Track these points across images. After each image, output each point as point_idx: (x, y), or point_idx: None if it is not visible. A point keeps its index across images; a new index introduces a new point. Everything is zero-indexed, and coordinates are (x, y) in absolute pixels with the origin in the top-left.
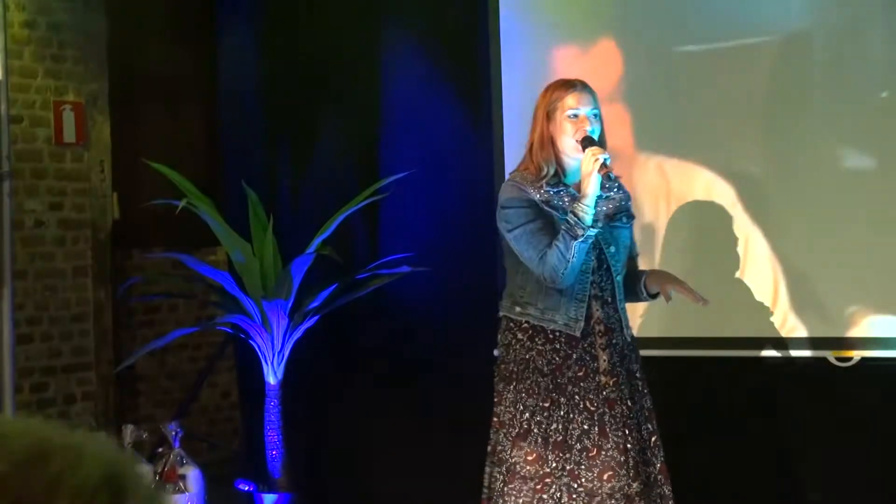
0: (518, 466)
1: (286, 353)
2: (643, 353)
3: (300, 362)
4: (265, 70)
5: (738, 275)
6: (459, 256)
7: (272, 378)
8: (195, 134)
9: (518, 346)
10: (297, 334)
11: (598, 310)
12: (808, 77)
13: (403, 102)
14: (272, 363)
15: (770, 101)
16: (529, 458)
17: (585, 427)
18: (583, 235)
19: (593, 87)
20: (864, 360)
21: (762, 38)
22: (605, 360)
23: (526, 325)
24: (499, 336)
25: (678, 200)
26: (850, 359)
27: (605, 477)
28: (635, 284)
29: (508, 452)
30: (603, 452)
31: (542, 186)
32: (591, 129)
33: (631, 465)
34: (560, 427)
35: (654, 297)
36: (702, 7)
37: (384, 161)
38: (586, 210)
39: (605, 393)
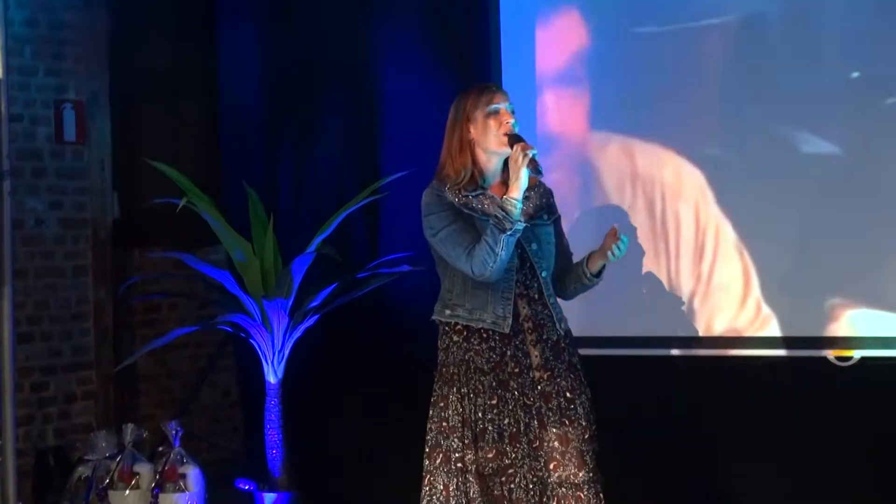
0: (481, 467)
1: (286, 353)
2: (645, 352)
3: (300, 361)
4: (266, 69)
5: (736, 274)
6: None
7: (272, 377)
8: (196, 133)
9: (455, 348)
10: (298, 333)
11: (524, 307)
12: (771, 57)
13: (404, 101)
14: (272, 362)
15: (733, 81)
16: (490, 455)
17: (526, 421)
18: (511, 229)
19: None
20: (863, 359)
21: (723, 18)
22: (536, 356)
23: (459, 326)
24: (437, 341)
25: (645, 184)
26: (849, 358)
27: (551, 467)
28: (576, 272)
29: (470, 457)
30: (545, 444)
31: (459, 191)
32: (514, 122)
33: (574, 454)
34: (511, 420)
35: (598, 274)
36: None
37: (384, 160)
38: (514, 204)
39: (539, 387)
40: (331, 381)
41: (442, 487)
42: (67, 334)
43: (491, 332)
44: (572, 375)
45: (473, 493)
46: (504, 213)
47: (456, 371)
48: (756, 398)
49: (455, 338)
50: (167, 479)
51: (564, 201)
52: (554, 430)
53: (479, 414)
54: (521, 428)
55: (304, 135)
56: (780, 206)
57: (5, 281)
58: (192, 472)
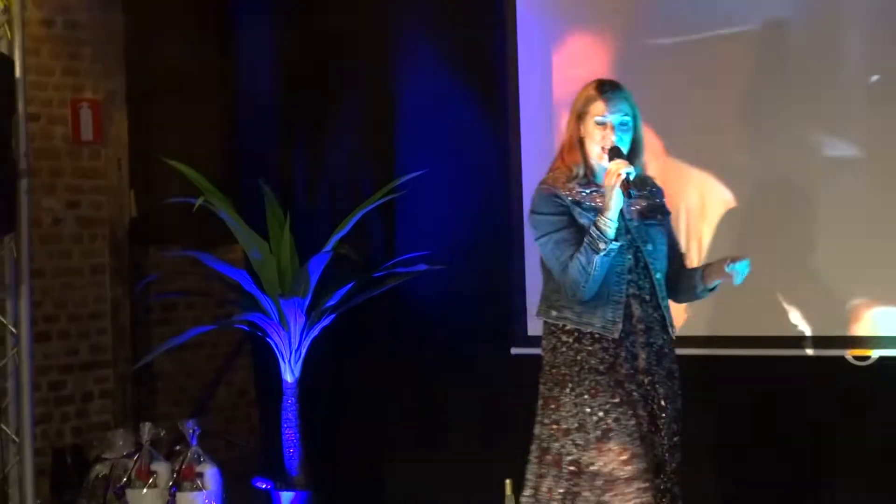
0: (617, 471)
1: (303, 351)
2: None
3: (317, 360)
4: (282, 68)
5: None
6: (476, 255)
7: (289, 376)
8: (212, 132)
9: (565, 349)
10: (314, 332)
11: (637, 309)
12: (791, 64)
13: (420, 100)
14: (289, 361)
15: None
16: (623, 457)
17: (642, 422)
18: (605, 249)
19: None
20: (882, 358)
21: (737, 27)
22: (643, 359)
23: (568, 327)
24: (542, 340)
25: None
26: (867, 357)
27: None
28: (690, 280)
29: (593, 460)
30: (652, 450)
31: (573, 187)
32: (618, 137)
33: (653, 464)
34: (636, 423)
35: (711, 290)
36: None
37: (400, 159)
38: (609, 224)
39: (642, 391)
40: (347, 380)
41: (546, 490)
42: (85, 333)
43: (600, 335)
44: (669, 383)
45: (586, 494)
46: (598, 233)
47: (567, 372)
48: (773, 397)
49: (564, 338)
50: (184, 478)
51: None
52: (659, 436)
53: (601, 413)
54: (644, 430)
55: (320, 134)
56: (799, 207)
57: (23, 280)
58: (210, 471)
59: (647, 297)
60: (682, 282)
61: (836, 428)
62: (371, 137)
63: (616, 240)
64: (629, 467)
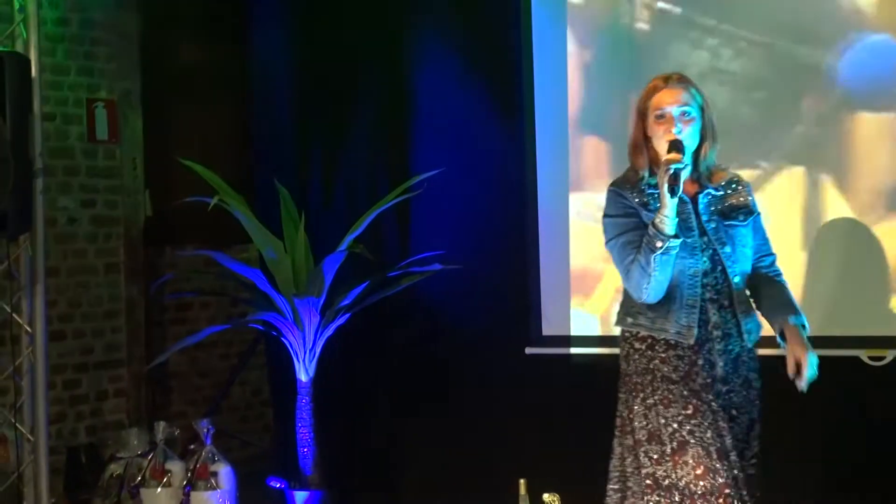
0: (692, 485)
1: (318, 351)
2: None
3: (331, 360)
4: (297, 67)
5: None
6: (490, 254)
7: (304, 375)
8: (227, 131)
9: (637, 356)
10: (329, 332)
11: (714, 314)
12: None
13: (435, 100)
14: (304, 360)
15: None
16: (698, 471)
17: (721, 435)
18: (662, 248)
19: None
20: None
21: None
22: (720, 367)
23: (641, 334)
24: (619, 349)
25: None
26: (883, 357)
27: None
28: (772, 301)
29: (668, 473)
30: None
31: (642, 189)
32: (678, 128)
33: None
34: (714, 434)
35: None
36: None
37: (415, 158)
38: (665, 221)
39: (719, 401)
40: (362, 380)
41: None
42: (99, 332)
43: (675, 342)
44: (745, 392)
45: None
46: (655, 230)
47: (639, 381)
48: (787, 397)
49: (637, 345)
50: (199, 477)
51: None
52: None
53: (675, 425)
54: (727, 442)
55: (335, 133)
56: (814, 205)
57: (38, 279)
58: (224, 470)
59: (726, 303)
60: (761, 291)
61: (850, 428)
62: (386, 137)
63: (676, 236)
64: (703, 482)
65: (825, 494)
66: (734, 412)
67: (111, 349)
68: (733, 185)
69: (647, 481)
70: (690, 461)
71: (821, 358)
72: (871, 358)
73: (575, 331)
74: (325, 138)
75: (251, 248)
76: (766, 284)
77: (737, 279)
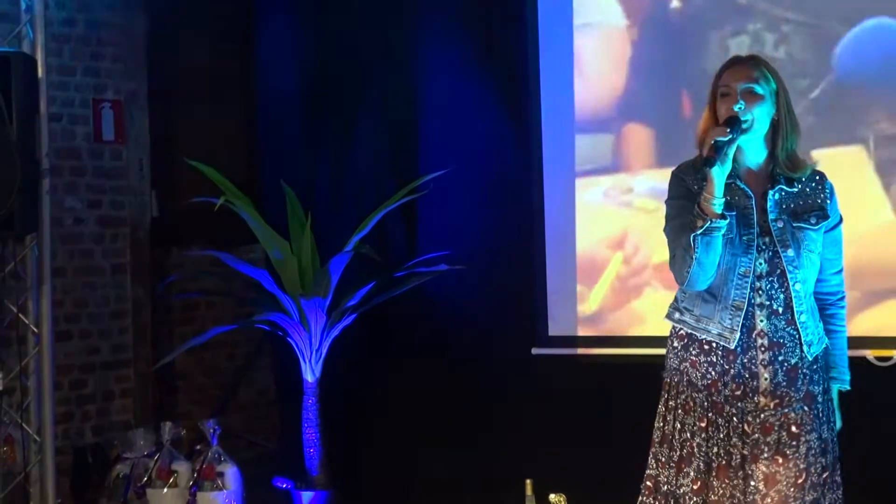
0: (687, 498)
1: (324, 351)
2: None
3: (338, 360)
4: (303, 68)
5: None
6: (497, 254)
7: (310, 376)
8: (234, 131)
9: (672, 355)
10: (335, 332)
11: (762, 321)
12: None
13: (441, 100)
14: (310, 361)
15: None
16: (696, 486)
17: (745, 453)
18: (703, 227)
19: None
20: None
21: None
22: (765, 379)
23: (682, 332)
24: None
25: None
26: (889, 358)
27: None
28: (826, 314)
29: (671, 480)
30: (752, 482)
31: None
32: (739, 104)
33: (776, 499)
34: (721, 451)
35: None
36: None
37: (422, 159)
38: (710, 200)
39: (763, 416)
40: (368, 380)
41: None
42: (106, 332)
43: (715, 345)
44: (806, 408)
45: None
46: (698, 210)
47: (669, 380)
48: None
49: (675, 343)
50: (205, 478)
51: None
52: (763, 468)
53: (688, 434)
54: (734, 461)
55: (341, 133)
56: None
57: (44, 279)
58: (230, 471)
59: (780, 309)
60: (820, 305)
61: (856, 429)
62: (392, 137)
63: (723, 216)
64: (697, 498)
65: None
66: (794, 429)
67: (117, 349)
68: (812, 184)
69: (648, 483)
70: (692, 473)
71: None
72: (877, 358)
73: (582, 331)
74: (331, 138)
75: (257, 248)
76: (826, 327)
77: (798, 286)
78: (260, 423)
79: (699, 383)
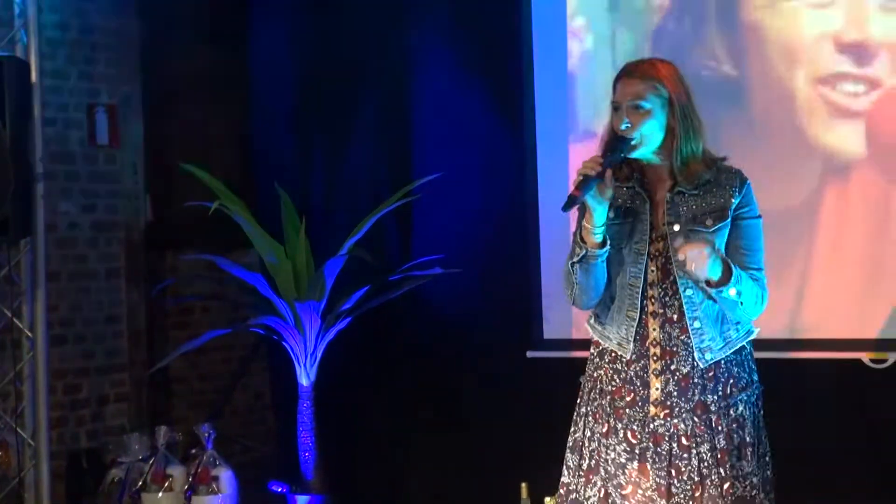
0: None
1: (319, 355)
2: None
3: (333, 364)
4: (297, 71)
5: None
6: (492, 258)
7: (305, 380)
8: (228, 135)
9: (589, 362)
10: (330, 336)
11: (655, 329)
12: None
13: (436, 103)
14: (305, 365)
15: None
16: (601, 494)
17: (623, 461)
18: (580, 255)
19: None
20: None
21: None
22: (656, 389)
23: (594, 338)
24: None
25: None
26: (884, 360)
27: None
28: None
29: (579, 489)
30: (639, 492)
31: (622, 185)
32: (624, 123)
33: None
34: (616, 456)
35: (717, 285)
36: None
37: (417, 162)
38: (588, 230)
39: (652, 426)
40: (363, 384)
41: None
42: (100, 337)
43: (616, 354)
44: (696, 419)
45: None
46: (579, 239)
47: (583, 386)
48: (789, 400)
49: (592, 350)
50: (200, 482)
51: None
52: (656, 479)
53: (596, 444)
54: (612, 468)
55: (336, 137)
56: (813, 208)
57: (39, 283)
58: (225, 475)
59: (675, 317)
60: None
61: (852, 431)
62: (387, 141)
63: (602, 245)
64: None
65: (826, 497)
66: (684, 441)
67: (112, 354)
68: (718, 184)
69: (561, 490)
70: (598, 482)
71: (823, 360)
72: (872, 361)
73: (576, 334)
74: (326, 142)
75: (252, 252)
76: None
77: (688, 291)
78: (255, 427)
79: (607, 387)
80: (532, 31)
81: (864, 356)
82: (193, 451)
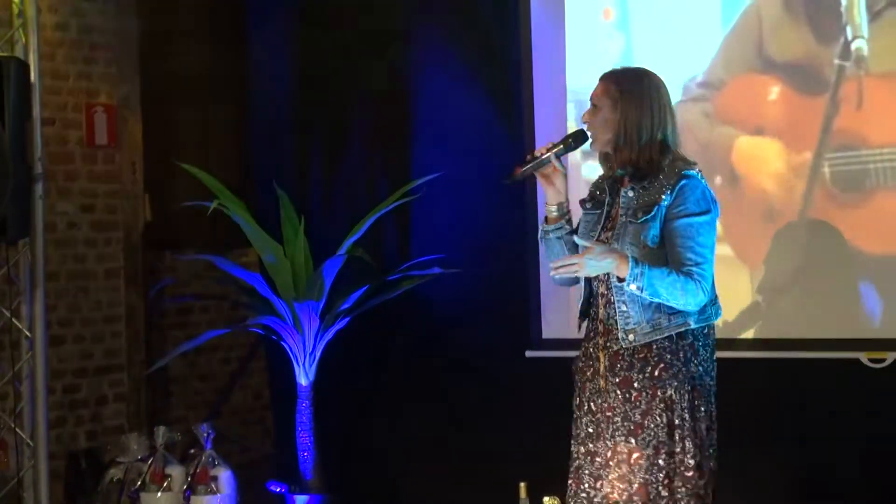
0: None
1: (318, 355)
2: None
3: (332, 363)
4: (296, 71)
5: (767, 276)
6: (490, 257)
7: (304, 379)
8: (226, 135)
9: (582, 339)
10: (329, 336)
11: (601, 309)
12: None
13: (434, 103)
14: (304, 364)
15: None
16: (570, 481)
17: (590, 430)
18: (539, 231)
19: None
20: None
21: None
22: (602, 364)
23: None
24: None
25: None
26: (883, 360)
27: (599, 485)
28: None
29: (580, 457)
30: (597, 458)
31: (603, 178)
32: (578, 122)
33: (616, 478)
34: (583, 424)
35: (620, 281)
36: None
37: (416, 162)
38: (548, 209)
39: (603, 396)
40: (362, 384)
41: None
42: (99, 337)
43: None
44: (621, 393)
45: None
46: (545, 217)
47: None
48: (785, 399)
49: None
50: (199, 482)
51: None
52: (609, 443)
53: (576, 415)
54: (580, 437)
55: (334, 137)
56: (810, 208)
57: (38, 283)
58: (224, 475)
59: (612, 299)
60: None
61: (851, 430)
62: (386, 140)
63: (556, 220)
64: (572, 468)
65: (825, 497)
66: (608, 413)
67: (111, 354)
68: (661, 181)
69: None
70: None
71: (821, 360)
72: (871, 360)
73: (576, 334)
74: (324, 142)
75: (251, 252)
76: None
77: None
78: (254, 426)
79: (577, 364)
80: (531, 28)
81: (863, 356)
82: (192, 450)
